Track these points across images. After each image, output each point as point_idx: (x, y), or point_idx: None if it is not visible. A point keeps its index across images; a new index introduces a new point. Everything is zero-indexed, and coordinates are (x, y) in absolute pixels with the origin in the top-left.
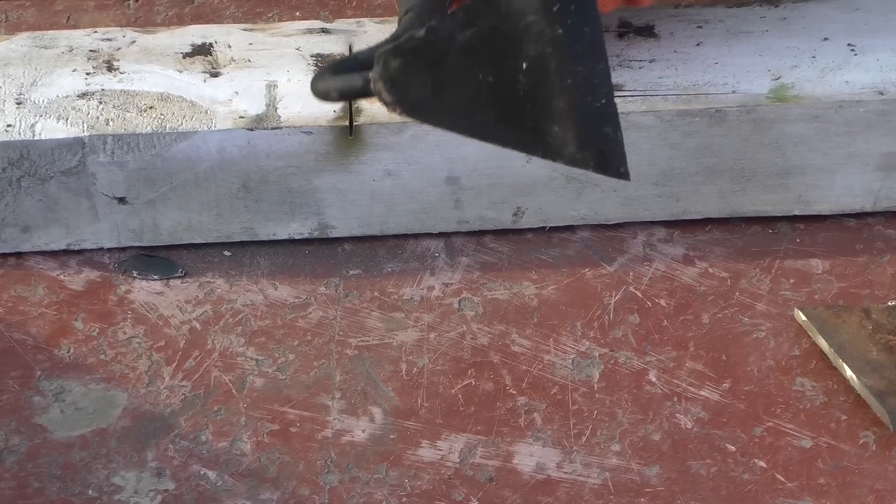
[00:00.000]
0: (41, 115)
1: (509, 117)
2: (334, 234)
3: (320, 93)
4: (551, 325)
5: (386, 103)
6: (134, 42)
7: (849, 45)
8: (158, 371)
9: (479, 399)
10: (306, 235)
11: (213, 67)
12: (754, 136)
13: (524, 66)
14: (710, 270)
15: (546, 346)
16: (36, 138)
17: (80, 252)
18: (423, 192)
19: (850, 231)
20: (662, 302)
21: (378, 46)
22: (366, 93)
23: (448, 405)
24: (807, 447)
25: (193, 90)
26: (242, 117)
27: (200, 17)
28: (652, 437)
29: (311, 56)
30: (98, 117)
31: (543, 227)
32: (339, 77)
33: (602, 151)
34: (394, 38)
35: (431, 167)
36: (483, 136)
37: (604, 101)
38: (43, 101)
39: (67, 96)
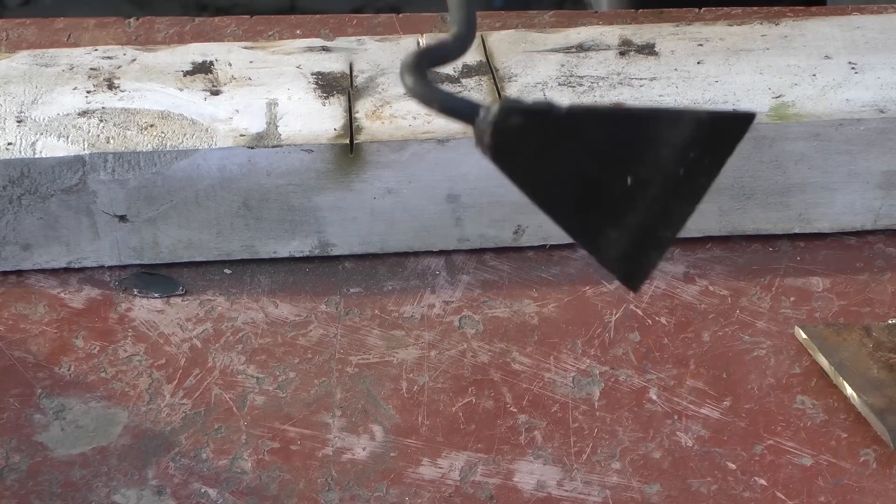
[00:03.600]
0: (42, 133)
1: (581, 206)
2: (335, 252)
3: (422, 97)
4: (552, 343)
5: (480, 142)
6: (134, 60)
7: (849, 63)
8: (159, 389)
9: (479, 417)
10: (307, 253)
11: (213, 85)
12: (755, 154)
13: (628, 180)
14: (711, 288)
15: (546, 363)
16: (36, 156)
17: (81, 270)
18: (423, 210)
19: (850, 249)
20: (663, 320)
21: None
22: (468, 120)
23: (449, 423)
24: (807, 465)
25: (194, 108)
26: (243, 135)
27: (201, 36)
28: (652, 455)
29: (312, 74)
30: (99, 135)
31: (544, 245)
32: (447, 94)
33: (635, 268)
34: (518, 102)
35: (432, 185)
36: (542, 204)
37: (669, 235)
38: (43, 119)
39: (68, 114)
